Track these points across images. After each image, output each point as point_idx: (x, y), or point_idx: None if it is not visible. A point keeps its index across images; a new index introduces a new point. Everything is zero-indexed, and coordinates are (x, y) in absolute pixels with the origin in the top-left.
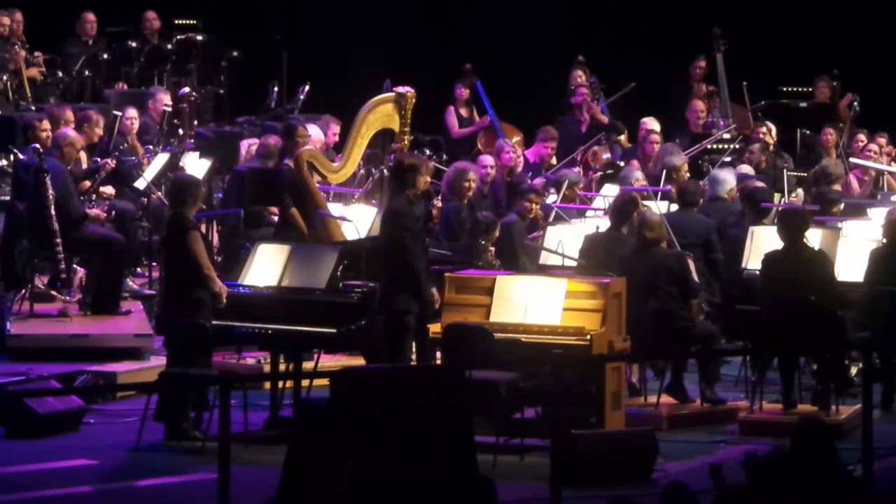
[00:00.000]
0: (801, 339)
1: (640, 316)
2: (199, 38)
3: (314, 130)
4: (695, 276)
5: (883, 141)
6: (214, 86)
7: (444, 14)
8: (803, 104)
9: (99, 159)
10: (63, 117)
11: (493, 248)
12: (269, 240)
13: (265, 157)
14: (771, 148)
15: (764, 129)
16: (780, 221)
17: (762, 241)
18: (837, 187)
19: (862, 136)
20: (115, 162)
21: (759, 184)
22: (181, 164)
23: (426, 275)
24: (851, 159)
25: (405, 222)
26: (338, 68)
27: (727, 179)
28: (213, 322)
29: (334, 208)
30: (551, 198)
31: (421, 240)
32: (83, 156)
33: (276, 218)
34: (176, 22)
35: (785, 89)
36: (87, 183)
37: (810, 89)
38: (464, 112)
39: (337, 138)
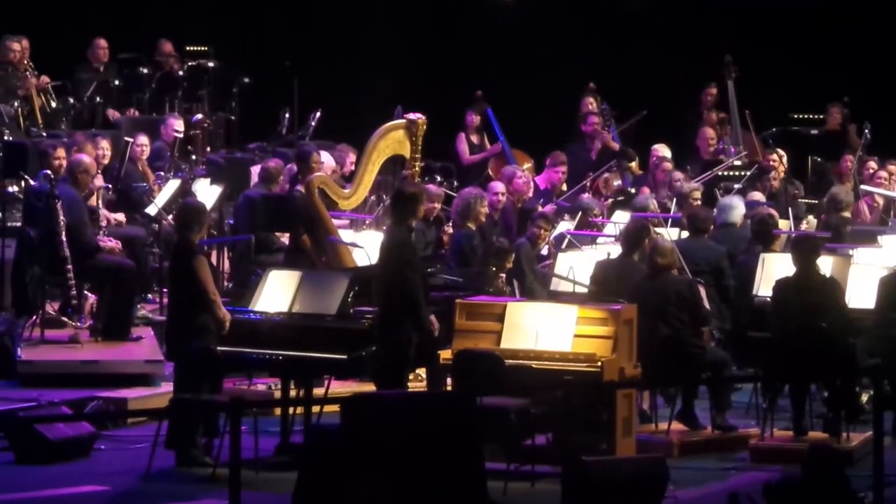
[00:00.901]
0: (812, 366)
1: (651, 342)
2: (211, 64)
3: (326, 157)
4: (706, 303)
5: (893, 168)
6: (226, 112)
7: (456, 41)
8: (814, 131)
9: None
10: (85, 148)
11: (503, 276)
12: (280, 266)
13: (267, 181)
14: (782, 175)
15: (775, 157)
16: (793, 248)
17: (773, 268)
18: (847, 214)
19: (872, 164)
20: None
21: (770, 211)
22: (192, 190)
23: (425, 304)
24: (862, 186)
25: (405, 253)
26: (349, 95)
27: (737, 206)
28: (224, 348)
29: (345, 234)
30: (565, 224)
31: (420, 269)
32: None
33: (286, 242)
34: (187, 48)
35: (796, 116)
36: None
37: (822, 116)
38: (475, 139)
39: (353, 167)
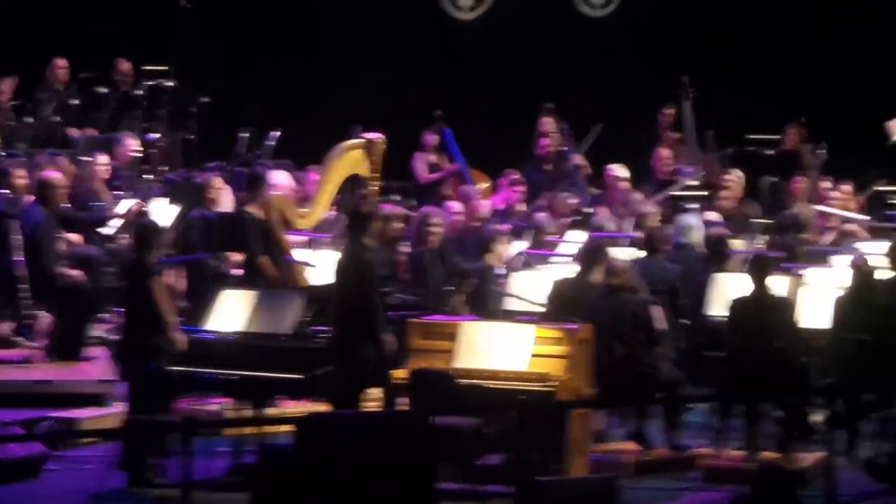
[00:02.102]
0: (766, 386)
1: (605, 362)
2: (170, 84)
3: (282, 177)
4: (661, 323)
5: (847, 189)
6: (184, 132)
7: (415, 61)
8: (770, 151)
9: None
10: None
11: (465, 295)
12: (232, 286)
13: (211, 200)
14: (739, 195)
15: (731, 177)
16: (749, 268)
17: (726, 288)
18: (807, 234)
19: (826, 184)
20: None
21: (725, 231)
22: (150, 209)
23: (383, 323)
24: (816, 207)
25: (363, 272)
26: (308, 114)
27: (694, 226)
28: (178, 368)
29: (304, 254)
30: (522, 244)
31: (379, 288)
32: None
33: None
34: (146, 68)
35: (753, 137)
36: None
37: (778, 137)
38: (432, 158)
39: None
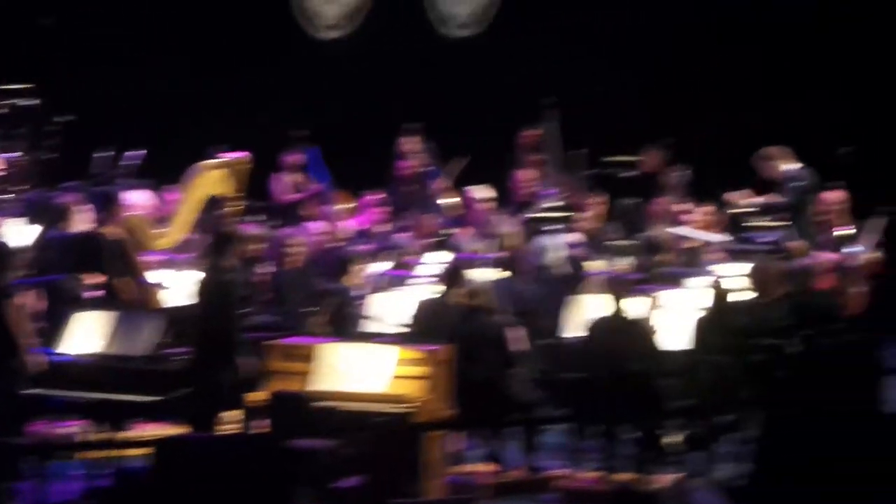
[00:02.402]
0: (622, 408)
1: (465, 383)
2: (31, 102)
3: (142, 197)
4: (521, 344)
5: (707, 210)
6: (45, 151)
7: (278, 81)
8: (631, 173)
9: None
10: None
11: (326, 316)
12: (88, 307)
13: (66, 220)
14: (599, 217)
15: (591, 199)
16: (605, 290)
17: (584, 310)
18: (665, 257)
19: (685, 206)
20: None
21: (584, 252)
22: (5, 230)
23: (242, 345)
24: (674, 229)
25: (224, 293)
26: (171, 134)
27: (553, 247)
28: (33, 390)
29: (162, 275)
30: (382, 264)
31: (239, 310)
32: None
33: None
34: (6, 87)
35: (613, 159)
36: None
37: (638, 159)
38: (295, 178)
39: (173, 206)
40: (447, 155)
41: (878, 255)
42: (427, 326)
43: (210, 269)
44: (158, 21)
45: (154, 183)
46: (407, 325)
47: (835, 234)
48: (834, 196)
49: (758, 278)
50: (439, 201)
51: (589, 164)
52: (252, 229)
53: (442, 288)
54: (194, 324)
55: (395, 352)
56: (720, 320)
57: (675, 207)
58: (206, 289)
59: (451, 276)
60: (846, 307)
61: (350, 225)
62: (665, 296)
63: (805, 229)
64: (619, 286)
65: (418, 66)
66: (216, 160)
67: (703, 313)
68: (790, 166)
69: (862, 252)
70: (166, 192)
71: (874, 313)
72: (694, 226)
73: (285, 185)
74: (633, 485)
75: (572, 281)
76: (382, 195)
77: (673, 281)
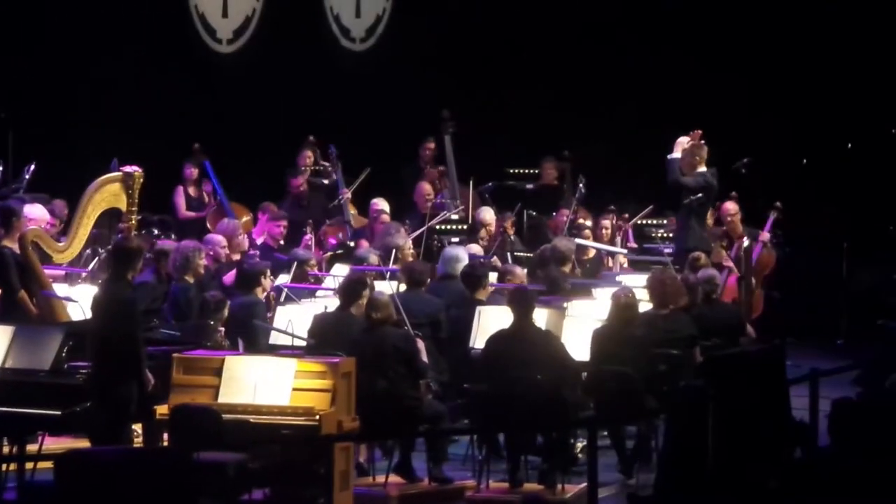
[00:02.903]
0: (527, 418)
1: (368, 395)
2: None
3: (38, 210)
4: (424, 356)
5: (606, 223)
6: None
7: (174, 93)
8: (530, 185)
9: None
10: None
11: (222, 329)
12: None
13: None
14: (506, 229)
15: (494, 213)
16: (509, 301)
17: (489, 321)
18: (566, 267)
19: (585, 217)
20: None
21: (483, 262)
22: None
23: (145, 359)
24: (577, 240)
25: (125, 308)
26: (65, 147)
27: (460, 258)
28: None
29: (60, 288)
30: (282, 277)
31: (141, 324)
32: None
33: None
34: None
35: (512, 171)
36: None
37: (537, 171)
38: (192, 191)
39: (68, 220)
40: (348, 167)
41: (770, 259)
42: (329, 339)
43: (111, 284)
44: (53, 32)
45: (48, 197)
46: (309, 338)
47: (735, 242)
48: (730, 206)
49: (655, 289)
50: (342, 213)
51: (489, 177)
52: (169, 244)
53: (342, 300)
54: (96, 337)
55: (295, 364)
56: (621, 331)
57: (576, 219)
58: (107, 302)
59: (352, 289)
60: (747, 316)
61: (249, 238)
62: (567, 306)
63: (704, 238)
64: (521, 297)
65: (317, 78)
66: (113, 174)
67: (602, 324)
68: (700, 169)
69: (754, 259)
70: (62, 205)
71: (772, 319)
72: (594, 237)
73: (184, 198)
74: (540, 495)
75: (475, 292)
76: (279, 209)
77: (577, 292)
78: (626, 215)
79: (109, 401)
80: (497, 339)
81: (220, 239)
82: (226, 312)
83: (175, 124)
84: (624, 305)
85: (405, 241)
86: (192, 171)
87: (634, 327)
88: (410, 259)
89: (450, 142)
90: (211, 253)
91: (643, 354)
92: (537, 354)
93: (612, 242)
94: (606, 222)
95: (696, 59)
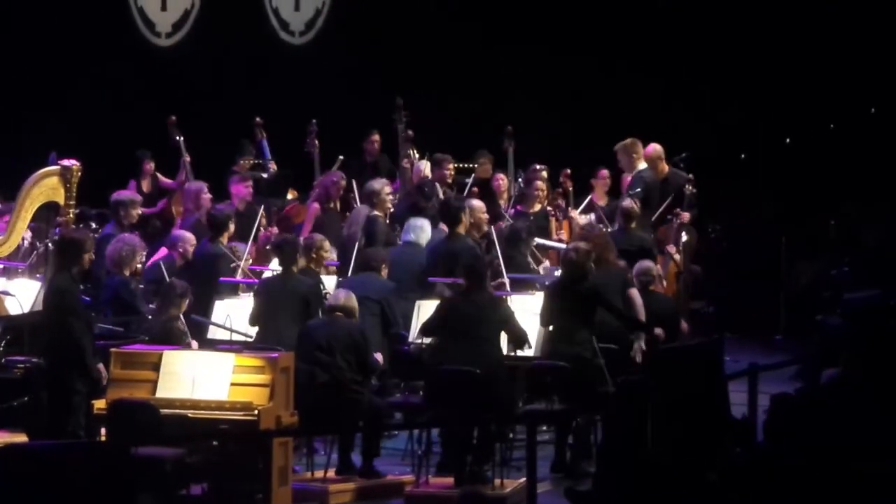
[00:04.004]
0: (467, 412)
1: (311, 389)
2: None
3: None
4: (379, 357)
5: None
6: None
7: (113, 87)
8: (468, 180)
9: None
10: None
11: (182, 320)
12: None
13: None
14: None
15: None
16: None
17: (427, 314)
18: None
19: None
20: None
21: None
22: None
23: (92, 351)
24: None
25: (70, 301)
26: (2, 141)
27: (424, 227)
28: None
29: (1, 282)
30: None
31: (86, 317)
32: None
33: None
34: None
35: (455, 165)
36: None
37: (474, 165)
38: (146, 186)
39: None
40: (292, 162)
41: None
42: (274, 297)
43: (56, 277)
44: None
45: None
46: (250, 333)
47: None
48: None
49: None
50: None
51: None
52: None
53: (282, 262)
54: (39, 331)
55: (233, 359)
56: (570, 287)
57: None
58: (52, 296)
59: (286, 251)
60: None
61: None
62: (513, 301)
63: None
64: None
65: (257, 72)
66: (51, 167)
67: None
68: (641, 165)
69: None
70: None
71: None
72: (528, 198)
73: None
74: (480, 490)
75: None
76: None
77: (518, 287)
78: (568, 171)
79: (54, 393)
80: (449, 302)
81: (189, 237)
82: (188, 302)
83: (114, 118)
84: (571, 261)
85: (381, 186)
86: (150, 166)
87: (584, 283)
88: (388, 205)
89: (403, 131)
90: (181, 250)
91: (591, 310)
92: (485, 317)
93: (554, 203)
94: (539, 182)
95: (629, 59)
